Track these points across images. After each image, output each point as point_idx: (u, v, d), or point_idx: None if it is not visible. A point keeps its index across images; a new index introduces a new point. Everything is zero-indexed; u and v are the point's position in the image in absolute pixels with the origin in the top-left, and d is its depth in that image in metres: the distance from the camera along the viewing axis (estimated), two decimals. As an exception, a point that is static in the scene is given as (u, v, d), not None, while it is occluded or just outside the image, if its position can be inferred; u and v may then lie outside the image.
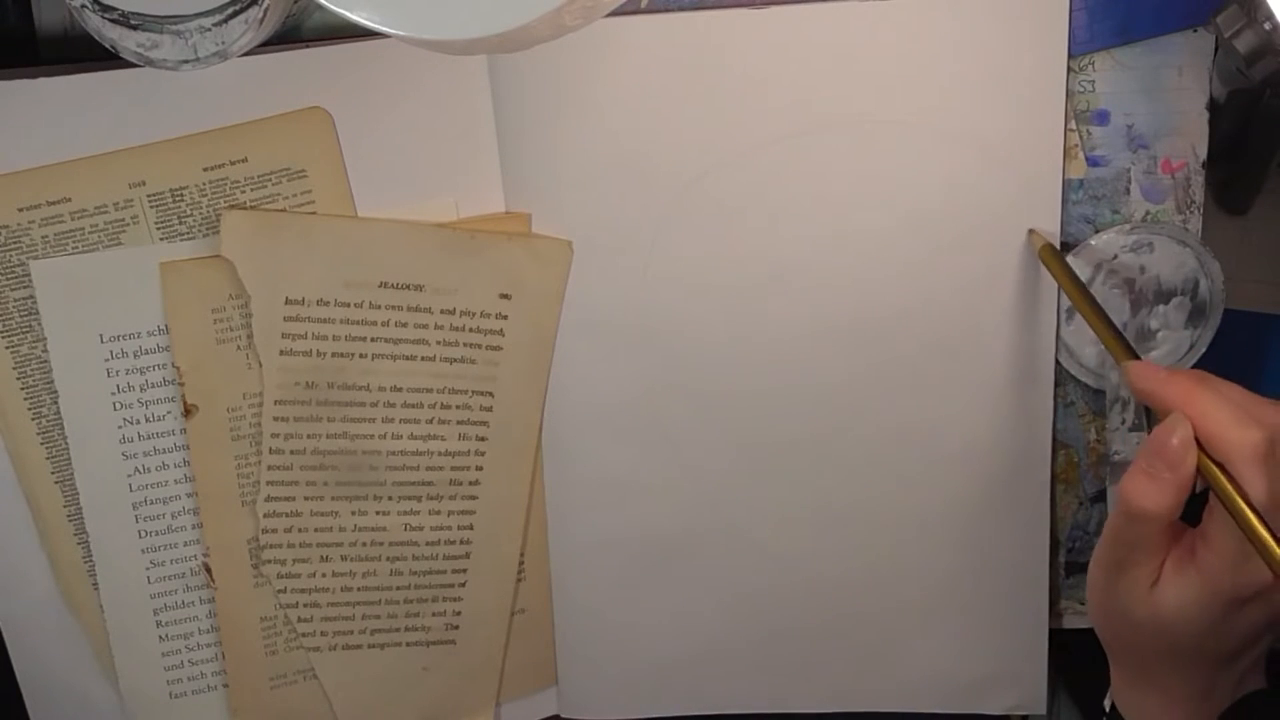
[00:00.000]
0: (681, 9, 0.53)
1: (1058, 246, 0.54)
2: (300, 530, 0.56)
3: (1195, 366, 0.56)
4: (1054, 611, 0.60)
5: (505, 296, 0.55)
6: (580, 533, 0.59)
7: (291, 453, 0.55)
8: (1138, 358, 0.46)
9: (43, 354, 0.54)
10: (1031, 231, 0.55)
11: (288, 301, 0.53)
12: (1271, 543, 0.38)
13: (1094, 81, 0.53)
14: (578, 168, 0.54)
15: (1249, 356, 0.65)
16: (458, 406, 0.56)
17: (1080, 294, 0.50)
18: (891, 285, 0.55)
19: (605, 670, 0.61)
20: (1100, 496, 0.58)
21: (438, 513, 0.57)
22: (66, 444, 0.54)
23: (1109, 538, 0.43)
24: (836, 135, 0.54)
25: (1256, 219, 0.61)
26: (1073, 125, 0.54)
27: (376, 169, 0.54)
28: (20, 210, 0.52)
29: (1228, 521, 0.39)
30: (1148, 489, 0.41)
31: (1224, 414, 0.40)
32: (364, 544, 0.57)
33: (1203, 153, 0.54)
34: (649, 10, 0.53)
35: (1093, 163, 0.55)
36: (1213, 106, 0.54)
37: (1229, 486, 0.39)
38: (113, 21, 0.46)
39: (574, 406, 0.57)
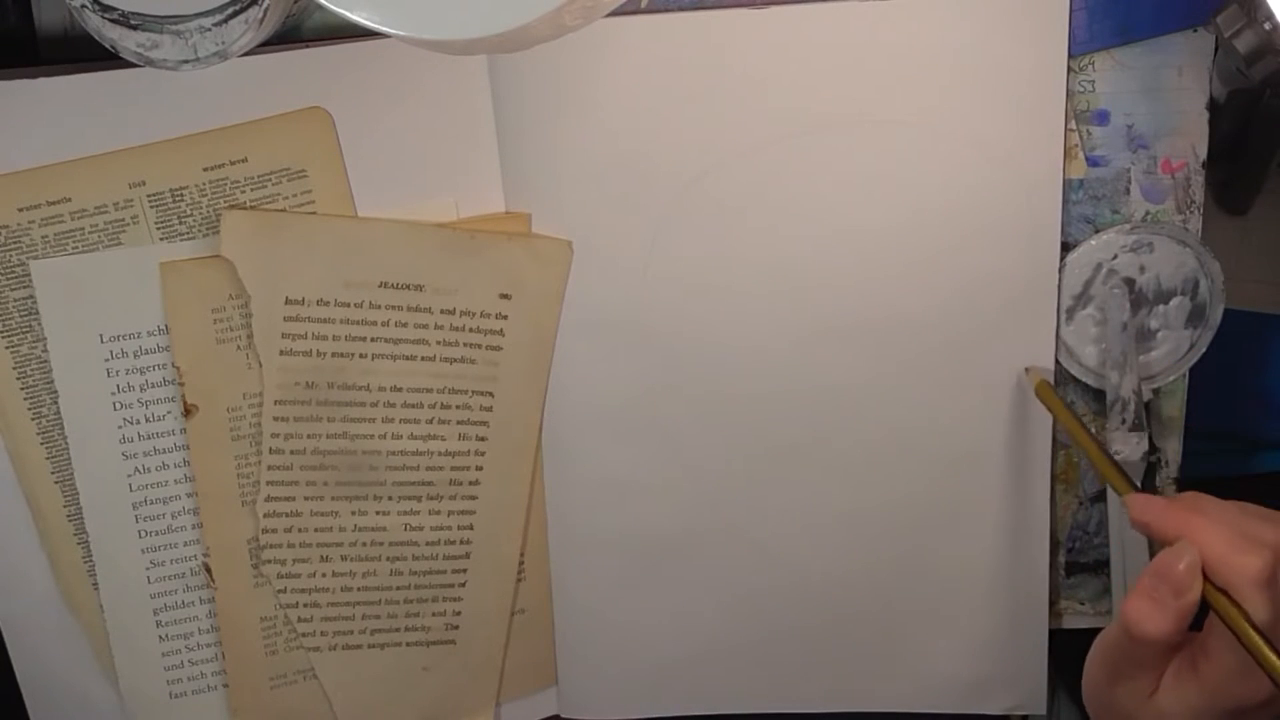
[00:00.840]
0: (681, 9, 0.53)
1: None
2: (300, 530, 0.56)
3: (1195, 366, 0.56)
4: (1054, 611, 0.60)
5: (505, 296, 0.55)
6: (580, 533, 0.59)
7: (291, 453, 0.55)
8: (1138, 489, 0.46)
9: (43, 354, 0.54)
10: (1028, 369, 0.56)
11: (288, 301, 0.53)
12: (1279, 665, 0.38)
13: (1094, 81, 0.53)
14: (578, 168, 0.54)
15: (1249, 356, 0.65)
16: (458, 406, 0.56)
17: (1079, 427, 0.52)
18: (891, 285, 0.55)
19: (605, 670, 0.61)
20: (1100, 496, 0.59)
21: (438, 513, 0.57)
22: (66, 444, 0.54)
23: (1108, 646, 0.43)
24: (836, 135, 0.54)
25: (1256, 219, 0.61)
26: (1073, 125, 0.54)
27: (376, 169, 0.54)
28: (20, 210, 0.52)
29: (1229, 638, 0.40)
30: (1151, 613, 0.41)
31: (1224, 541, 0.41)
32: (364, 544, 0.57)
33: (1203, 153, 0.54)
34: (649, 10, 0.53)
35: (1093, 163, 0.55)
36: (1213, 106, 0.54)
37: (1234, 611, 0.40)
38: (113, 21, 0.46)
39: (574, 406, 0.57)
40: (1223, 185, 0.60)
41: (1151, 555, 0.58)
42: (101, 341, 0.54)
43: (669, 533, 0.59)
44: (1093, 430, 0.58)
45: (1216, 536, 0.41)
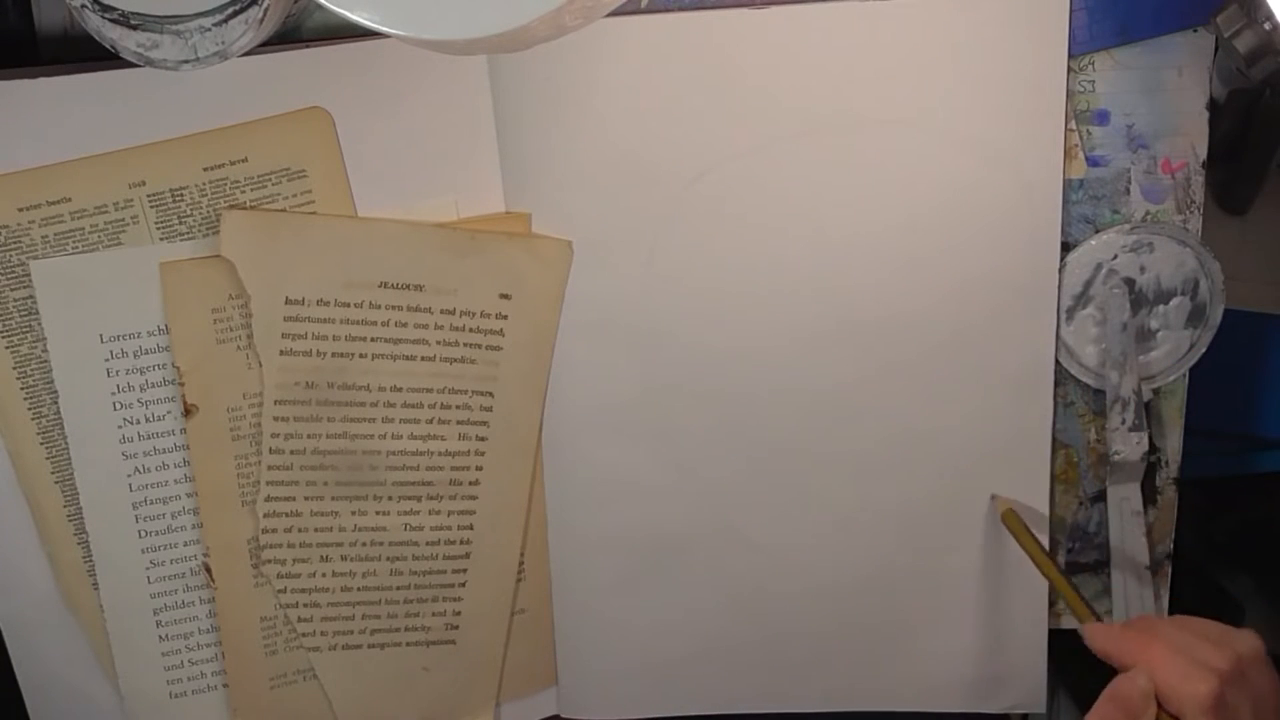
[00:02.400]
0: (681, 9, 0.53)
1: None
2: (300, 530, 0.56)
3: (1195, 366, 0.56)
4: (1054, 611, 0.60)
5: (505, 296, 0.55)
6: (580, 533, 0.59)
7: (291, 453, 0.55)
8: (1098, 618, 0.50)
9: (43, 354, 0.54)
10: (994, 497, 0.57)
11: (288, 301, 0.53)
12: None
13: (1094, 81, 0.53)
14: (578, 168, 0.54)
15: (1249, 356, 0.65)
16: (458, 406, 0.56)
17: (1042, 555, 0.54)
18: (891, 285, 0.55)
19: (605, 670, 0.61)
20: (1100, 496, 0.59)
21: (438, 513, 0.57)
22: (66, 444, 0.54)
23: None
24: (836, 135, 0.54)
25: (1256, 219, 0.61)
26: (1073, 125, 0.54)
27: (376, 169, 0.54)
28: (20, 210, 0.52)
29: None
30: None
31: (1175, 669, 0.44)
32: (364, 544, 0.57)
33: (1203, 153, 0.54)
34: (649, 10, 0.53)
35: (1093, 163, 0.55)
36: (1213, 106, 0.54)
37: None
38: (113, 21, 0.46)
39: (574, 406, 0.57)
40: (1223, 185, 0.60)
41: (1151, 556, 0.58)
42: (101, 341, 0.54)
43: (669, 533, 0.59)
44: (1094, 429, 0.58)
45: (1168, 664, 0.44)
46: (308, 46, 0.52)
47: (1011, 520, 0.55)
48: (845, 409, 0.57)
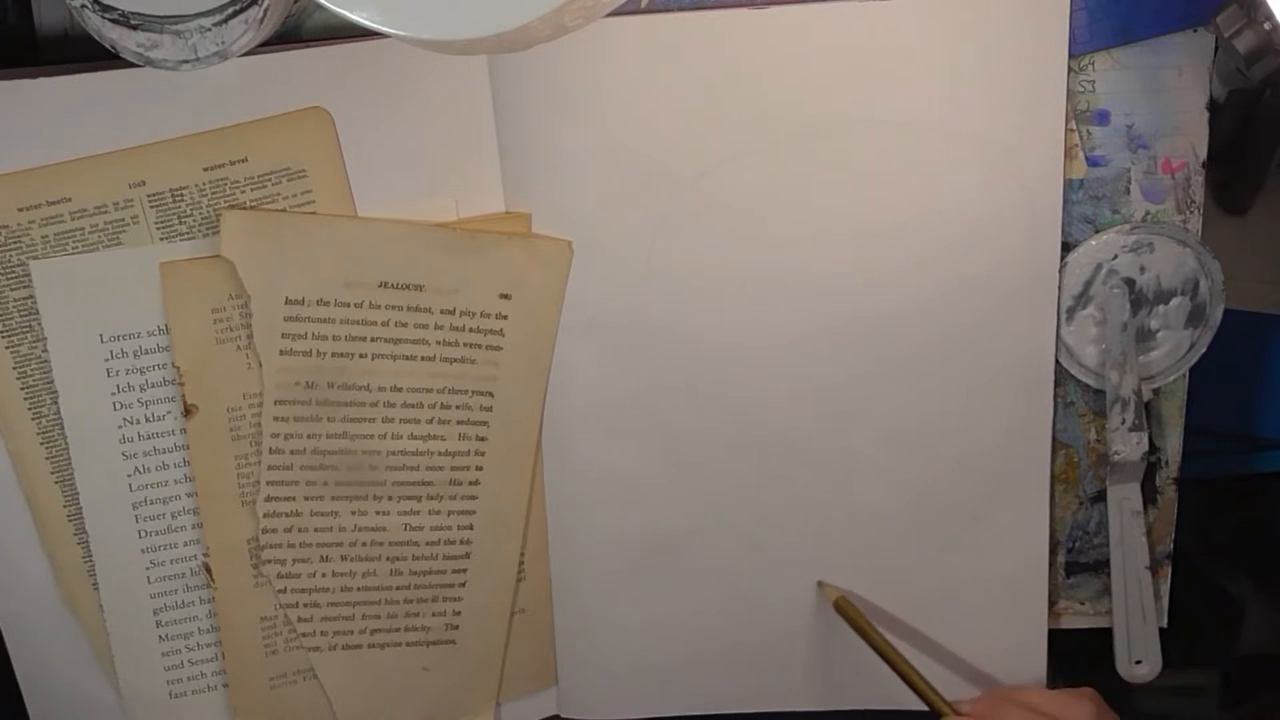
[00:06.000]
0: (681, 9, 0.53)
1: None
2: (300, 530, 0.56)
3: (1195, 366, 0.56)
4: (1054, 611, 0.60)
5: (505, 296, 0.55)
6: (580, 533, 0.59)
7: (291, 453, 0.55)
8: (956, 712, 0.53)
9: (43, 354, 0.54)
10: (821, 584, 0.58)
11: (288, 301, 0.53)
12: None
13: (1094, 81, 0.54)
14: (578, 168, 0.54)
15: (1249, 356, 0.65)
16: (458, 406, 0.56)
17: (885, 644, 0.55)
18: (891, 285, 0.55)
19: (605, 670, 0.61)
20: (1100, 496, 0.59)
21: (438, 513, 0.57)
22: (66, 444, 0.54)
23: None
24: (837, 135, 0.54)
25: (1256, 219, 0.61)
26: (1073, 125, 0.54)
27: (376, 169, 0.54)
28: (20, 210, 0.52)
29: None
30: None
31: None
32: (364, 544, 0.57)
33: (1203, 153, 0.54)
34: (649, 10, 0.53)
35: (1093, 163, 0.55)
36: (1213, 106, 0.54)
37: None
38: (113, 21, 0.46)
39: (574, 406, 0.57)
40: (1223, 185, 0.60)
41: (1151, 556, 0.58)
42: (101, 341, 0.54)
43: (669, 533, 0.59)
44: (1094, 430, 0.58)
45: None
46: (308, 46, 0.52)
47: (846, 608, 0.57)
48: (845, 409, 0.57)
